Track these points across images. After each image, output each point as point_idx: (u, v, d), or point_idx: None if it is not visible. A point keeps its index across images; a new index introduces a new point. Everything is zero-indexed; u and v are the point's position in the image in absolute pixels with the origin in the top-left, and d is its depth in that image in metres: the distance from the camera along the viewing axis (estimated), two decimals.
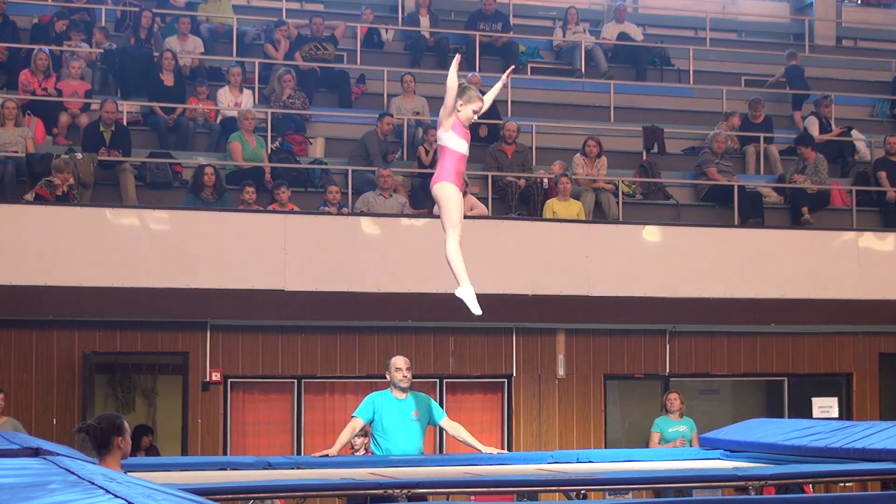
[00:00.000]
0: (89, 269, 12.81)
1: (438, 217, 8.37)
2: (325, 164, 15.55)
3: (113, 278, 12.86)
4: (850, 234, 15.39)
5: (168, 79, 16.14)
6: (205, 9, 18.38)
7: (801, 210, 16.16)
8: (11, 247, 12.74)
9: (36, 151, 14.18)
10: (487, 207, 14.87)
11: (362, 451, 10.72)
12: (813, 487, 11.20)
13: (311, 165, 15.46)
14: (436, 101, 17.07)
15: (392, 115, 16.07)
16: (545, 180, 15.50)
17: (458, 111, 8.12)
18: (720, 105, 18.48)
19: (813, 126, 18.16)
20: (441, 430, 11.19)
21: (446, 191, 8.13)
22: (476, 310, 8.11)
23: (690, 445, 12.75)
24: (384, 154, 15.67)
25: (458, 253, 8.10)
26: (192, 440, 13.16)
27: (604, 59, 19.28)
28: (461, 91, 8.09)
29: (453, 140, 8.19)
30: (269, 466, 8.83)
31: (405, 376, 9.68)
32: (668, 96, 19.13)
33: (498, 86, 8.55)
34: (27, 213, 12.97)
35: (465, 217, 12.89)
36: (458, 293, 8.13)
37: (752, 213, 15.94)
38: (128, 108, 15.75)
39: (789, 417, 14.44)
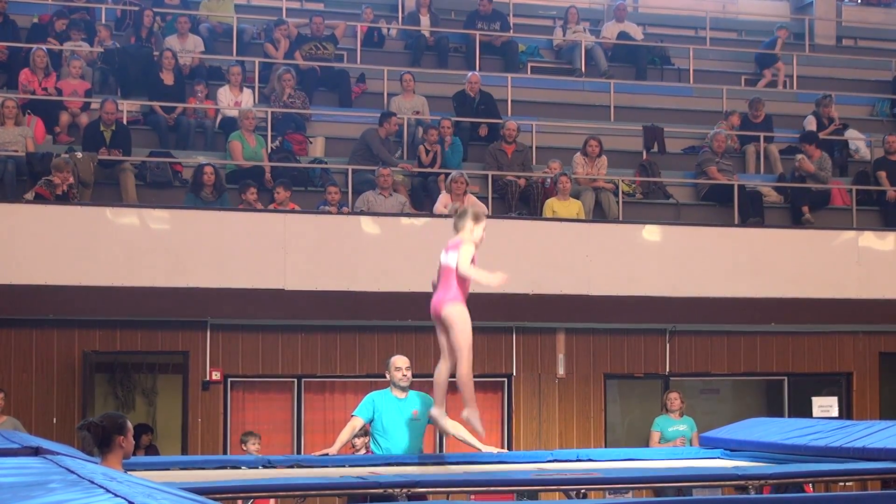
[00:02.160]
0: (89, 268, 12.81)
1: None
2: (325, 163, 15.55)
3: (113, 278, 12.86)
4: (850, 234, 15.39)
5: (168, 78, 16.14)
6: (207, 7, 18.38)
7: (801, 209, 16.16)
8: (11, 246, 12.74)
9: (36, 151, 14.18)
10: (487, 207, 14.87)
11: (363, 451, 10.72)
12: (813, 487, 11.20)
13: (311, 165, 15.46)
14: (435, 101, 17.14)
15: (395, 115, 16.06)
16: (548, 179, 15.50)
17: (472, 235, 8.47)
18: (720, 104, 18.48)
19: (811, 125, 18.16)
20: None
21: (465, 314, 8.40)
22: (481, 430, 8.71)
23: (690, 445, 12.76)
24: (392, 153, 15.70)
25: (471, 378, 8.50)
26: (192, 439, 13.16)
27: (604, 58, 19.29)
28: (474, 215, 8.51)
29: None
30: (270, 465, 8.83)
31: (405, 375, 9.67)
32: (668, 96, 19.14)
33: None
34: (27, 213, 12.97)
35: None
36: (467, 415, 8.55)
37: (753, 212, 15.94)
38: (128, 107, 15.75)
39: (789, 417, 14.44)
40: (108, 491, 3.65)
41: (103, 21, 17.37)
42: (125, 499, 3.46)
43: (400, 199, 14.64)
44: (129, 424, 6.54)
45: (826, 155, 16.96)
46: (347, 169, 15.10)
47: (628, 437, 14.75)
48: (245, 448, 11.85)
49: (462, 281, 8.39)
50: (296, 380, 13.71)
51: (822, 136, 17.83)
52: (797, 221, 16.09)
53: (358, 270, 13.57)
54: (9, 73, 16.19)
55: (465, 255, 8.36)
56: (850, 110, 19.56)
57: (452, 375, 8.68)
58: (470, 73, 17.37)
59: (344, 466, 8.76)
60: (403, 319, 13.75)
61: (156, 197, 14.33)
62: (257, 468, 8.84)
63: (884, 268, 15.15)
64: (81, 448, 6.76)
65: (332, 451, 9.40)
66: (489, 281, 8.43)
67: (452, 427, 8.76)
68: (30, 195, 13.35)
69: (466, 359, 8.31)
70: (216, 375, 13.34)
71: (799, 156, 16.94)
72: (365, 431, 10.21)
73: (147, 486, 4.08)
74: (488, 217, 14.15)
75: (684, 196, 16.48)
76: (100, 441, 6.40)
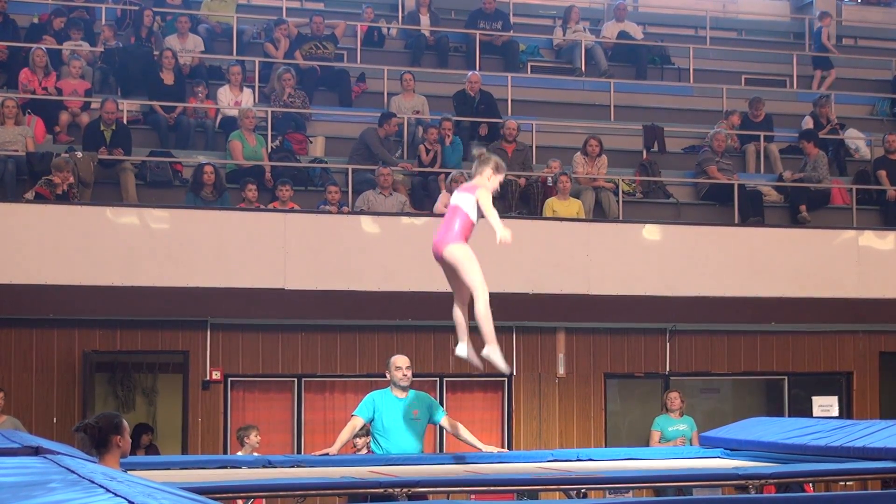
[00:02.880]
0: (89, 267, 12.82)
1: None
2: (326, 162, 15.55)
3: (113, 277, 12.86)
4: (851, 233, 15.39)
5: (168, 78, 16.14)
6: (208, 6, 18.38)
7: (798, 207, 16.17)
8: (12, 246, 12.74)
9: (36, 150, 14.19)
10: None
11: (364, 451, 10.72)
12: (813, 486, 11.21)
13: (311, 164, 15.47)
14: (435, 100, 17.14)
15: (396, 115, 16.05)
16: (548, 178, 15.49)
17: (488, 182, 8.17)
18: (720, 104, 18.48)
19: (808, 125, 18.15)
20: (441, 428, 11.19)
21: (466, 250, 8.07)
22: (504, 367, 8.25)
23: (691, 444, 12.76)
24: (392, 152, 15.70)
25: (489, 312, 8.09)
26: (192, 439, 13.17)
27: (604, 57, 19.28)
28: (496, 165, 8.17)
29: (474, 210, 8.12)
30: (270, 465, 8.83)
31: (405, 375, 9.67)
32: (668, 95, 19.14)
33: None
34: (27, 212, 12.97)
35: None
36: (486, 353, 8.19)
37: (753, 211, 15.94)
38: (128, 106, 15.75)
39: (789, 416, 14.44)
40: (108, 490, 3.65)
41: (103, 21, 17.38)
42: (125, 498, 3.46)
43: (400, 199, 14.64)
44: (125, 423, 6.53)
45: (823, 153, 16.95)
46: (347, 168, 15.11)
47: (628, 436, 14.74)
48: (248, 440, 11.76)
49: (466, 224, 8.05)
50: (296, 379, 13.71)
51: (820, 135, 17.83)
52: (795, 220, 16.08)
53: (358, 270, 13.57)
54: (9, 73, 16.19)
55: (485, 196, 8.03)
56: (850, 109, 19.57)
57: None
58: (470, 73, 17.37)
59: (344, 466, 8.76)
60: (404, 319, 13.76)
61: (156, 196, 14.33)
62: (257, 468, 8.84)
63: (884, 267, 15.15)
64: (79, 449, 6.74)
65: (333, 450, 9.40)
66: (501, 232, 7.96)
67: (490, 352, 8.17)
68: (30, 195, 13.35)
69: (482, 294, 7.97)
70: (216, 375, 13.34)
71: (787, 172, 16.97)
72: (367, 431, 10.21)
73: (147, 485, 4.08)
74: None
75: (684, 195, 16.48)
76: (97, 441, 6.40)
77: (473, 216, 8.08)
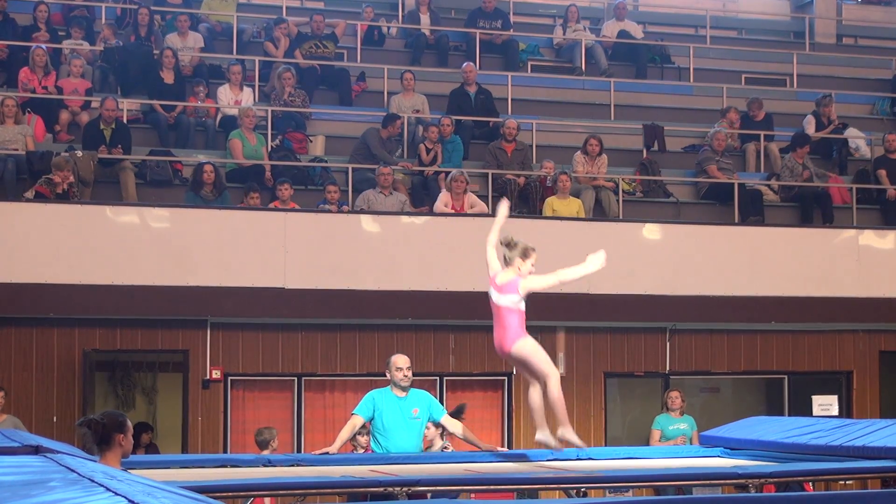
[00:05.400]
0: (89, 266, 12.82)
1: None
2: (326, 161, 15.55)
3: (113, 276, 12.86)
4: (851, 232, 15.39)
5: (168, 76, 16.14)
6: (209, 6, 18.37)
7: (800, 208, 16.17)
8: (12, 244, 12.74)
9: (36, 149, 14.19)
10: (487, 205, 14.86)
11: (361, 450, 10.72)
12: (813, 485, 11.21)
13: (311, 163, 15.47)
14: (435, 99, 17.13)
15: (399, 118, 16.03)
16: (548, 177, 15.49)
17: (523, 269, 8.47)
18: (720, 103, 18.47)
19: (810, 125, 18.15)
20: (442, 427, 11.19)
21: (532, 344, 8.48)
22: (581, 444, 8.80)
23: (691, 443, 12.76)
24: (392, 152, 15.69)
25: (562, 395, 8.55)
26: (192, 438, 13.17)
27: (604, 56, 19.28)
28: (523, 250, 8.48)
29: (521, 302, 8.46)
30: (270, 464, 8.83)
31: (405, 375, 9.67)
32: (668, 94, 19.14)
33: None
34: (27, 211, 12.97)
35: (465, 215, 12.92)
36: (561, 433, 8.56)
37: (753, 210, 15.94)
38: (128, 105, 15.75)
39: (789, 415, 14.44)
40: (108, 489, 3.65)
41: (104, 19, 17.38)
42: (125, 497, 3.46)
43: (400, 198, 14.64)
44: (129, 423, 6.54)
45: (807, 158, 16.91)
46: (347, 168, 15.10)
47: (629, 435, 14.75)
48: (273, 446, 11.69)
49: (520, 318, 8.41)
50: (296, 378, 13.71)
51: (821, 135, 17.84)
52: (805, 220, 16.05)
53: (358, 269, 13.57)
54: (9, 72, 16.19)
55: (531, 283, 8.42)
56: (850, 109, 19.56)
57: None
58: (465, 64, 17.36)
59: (344, 465, 8.76)
60: (404, 318, 13.76)
61: (156, 195, 14.33)
62: (257, 467, 8.84)
63: (884, 266, 15.15)
64: (80, 444, 6.75)
65: (333, 449, 9.40)
66: (590, 269, 8.83)
67: (565, 433, 8.62)
68: (30, 194, 13.35)
69: (554, 381, 8.45)
70: (216, 374, 13.34)
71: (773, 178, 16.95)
72: (367, 430, 10.21)
73: (147, 484, 4.08)
74: (488, 216, 14.23)
75: (684, 194, 16.48)
76: (99, 438, 6.39)
77: (522, 306, 8.43)
